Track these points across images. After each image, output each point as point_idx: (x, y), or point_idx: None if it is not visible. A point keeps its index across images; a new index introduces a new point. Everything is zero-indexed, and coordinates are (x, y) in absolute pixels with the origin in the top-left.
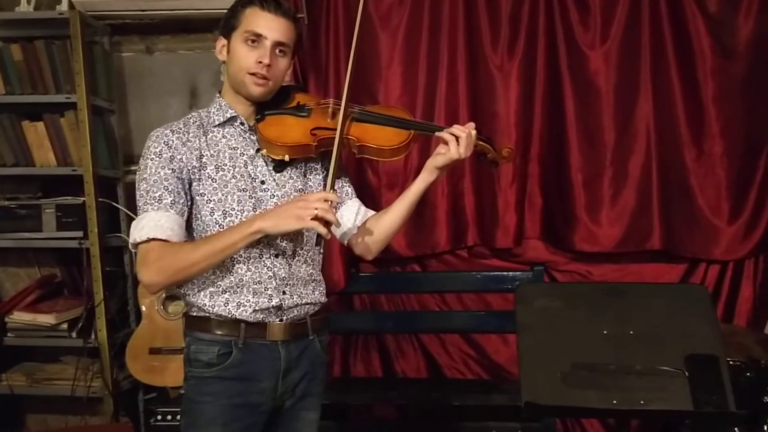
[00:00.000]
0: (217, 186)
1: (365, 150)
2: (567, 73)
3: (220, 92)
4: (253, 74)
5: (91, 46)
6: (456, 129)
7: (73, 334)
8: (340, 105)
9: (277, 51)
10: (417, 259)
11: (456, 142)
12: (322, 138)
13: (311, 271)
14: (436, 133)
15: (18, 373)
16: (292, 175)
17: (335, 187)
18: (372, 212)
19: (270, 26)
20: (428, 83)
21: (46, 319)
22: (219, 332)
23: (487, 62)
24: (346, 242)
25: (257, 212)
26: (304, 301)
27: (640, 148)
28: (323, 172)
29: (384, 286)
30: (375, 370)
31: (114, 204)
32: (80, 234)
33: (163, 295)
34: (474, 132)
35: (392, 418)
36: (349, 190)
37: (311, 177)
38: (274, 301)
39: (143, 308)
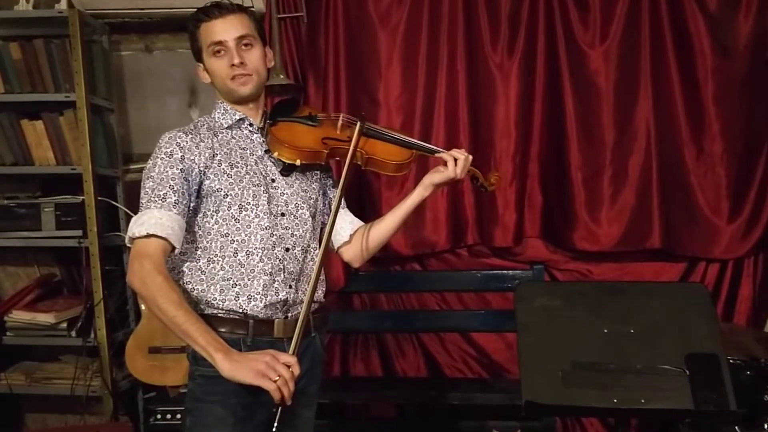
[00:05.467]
0: (233, 181)
1: (371, 162)
2: (567, 72)
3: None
4: (233, 78)
5: (90, 44)
6: (455, 152)
7: (73, 334)
8: (349, 119)
9: (242, 46)
10: (417, 258)
11: (454, 162)
12: (333, 147)
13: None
14: (437, 154)
15: (17, 373)
16: (298, 177)
17: (330, 196)
18: (361, 222)
19: (223, 29)
20: (428, 82)
21: (46, 318)
22: (227, 330)
23: (487, 61)
24: (336, 249)
25: (270, 206)
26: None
27: (639, 147)
28: (322, 178)
29: (383, 285)
30: (374, 369)
31: (113, 203)
32: (79, 233)
33: None
34: (471, 157)
35: (392, 417)
36: (342, 201)
37: (313, 181)
38: (281, 295)
39: (142, 307)
